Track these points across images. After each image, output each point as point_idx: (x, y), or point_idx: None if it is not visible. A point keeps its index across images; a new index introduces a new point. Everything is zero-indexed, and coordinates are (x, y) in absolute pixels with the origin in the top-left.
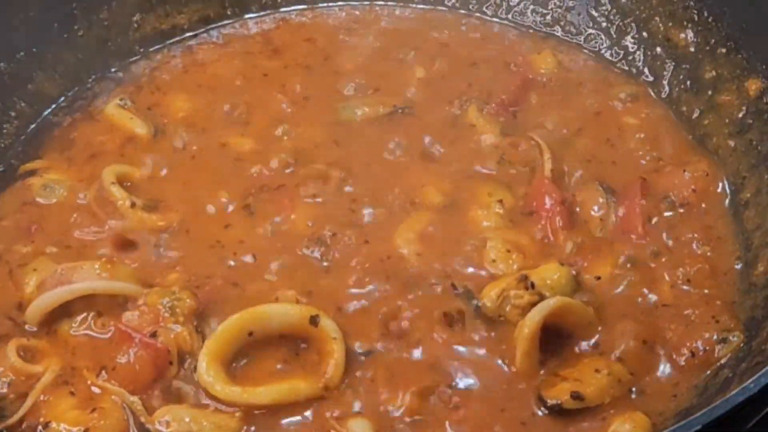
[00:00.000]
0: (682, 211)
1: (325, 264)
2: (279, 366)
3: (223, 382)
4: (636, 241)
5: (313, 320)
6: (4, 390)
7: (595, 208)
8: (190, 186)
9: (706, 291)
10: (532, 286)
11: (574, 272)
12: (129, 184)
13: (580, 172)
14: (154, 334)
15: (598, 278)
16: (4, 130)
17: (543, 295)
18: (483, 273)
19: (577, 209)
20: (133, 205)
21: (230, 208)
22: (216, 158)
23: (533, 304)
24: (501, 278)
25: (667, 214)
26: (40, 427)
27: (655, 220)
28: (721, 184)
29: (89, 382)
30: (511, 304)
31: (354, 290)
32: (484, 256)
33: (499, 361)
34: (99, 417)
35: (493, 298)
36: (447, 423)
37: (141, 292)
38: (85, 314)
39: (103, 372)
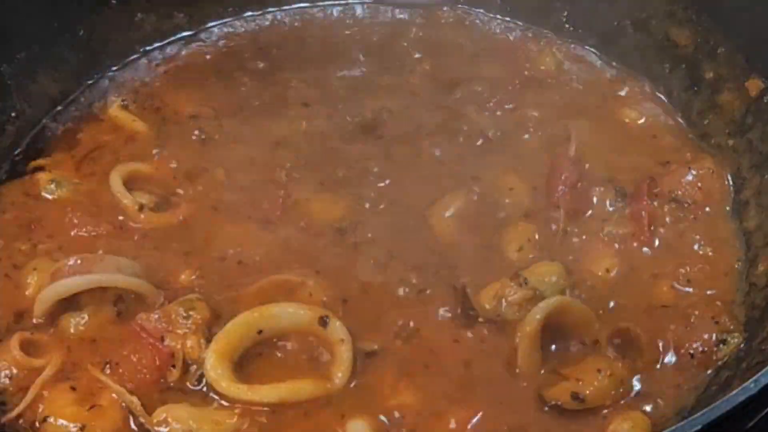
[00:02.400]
0: (687, 213)
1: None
2: (287, 365)
3: (229, 379)
4: (639, 242)
5: (323, 321)
6: (6, 383)
7: (603, 206)
8: (195, 183)
9: (706, 292)
10: (525, 282)
11: (571, 270)
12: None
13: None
14: (163, 338)
15: (597, 277)
16: (6, 130)
17: (537, 290)
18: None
19: (594, 199)
20: (141, 207)
21: None
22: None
23: (528, 300)
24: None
25: (671, 215)
26: (37, 422)
27: (660, 222)
28: (726, 182)
29: (93, 375)
30: (506, 301)
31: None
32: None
33: (501, 360)
34: (97, 415)
35: (490, 298)
36: (449, 421)
37: (156, 292)
38: (93, 308)
39: (107, 367)
